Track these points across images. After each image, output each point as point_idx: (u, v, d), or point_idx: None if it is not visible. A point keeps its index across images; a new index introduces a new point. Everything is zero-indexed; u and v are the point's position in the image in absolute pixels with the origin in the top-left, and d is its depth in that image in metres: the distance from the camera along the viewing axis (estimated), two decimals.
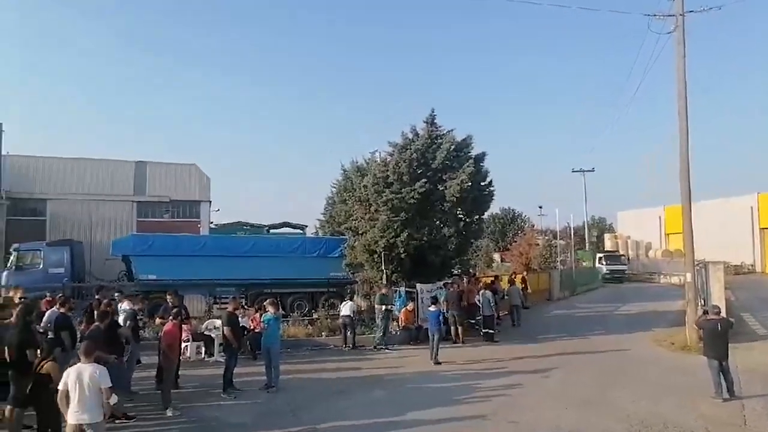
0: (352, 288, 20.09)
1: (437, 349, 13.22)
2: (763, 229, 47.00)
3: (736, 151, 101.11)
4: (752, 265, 47.11)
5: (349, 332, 15.10)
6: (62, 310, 10.29)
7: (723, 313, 10.20)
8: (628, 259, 49.09)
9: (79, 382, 5.76)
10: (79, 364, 5.96)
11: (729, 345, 9.85)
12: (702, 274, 16.90)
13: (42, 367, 6.51)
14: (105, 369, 6.00)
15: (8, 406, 7.15)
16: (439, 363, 12.94)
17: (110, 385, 5.86)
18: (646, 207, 59.32)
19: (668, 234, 54.39)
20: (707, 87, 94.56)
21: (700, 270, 16.95)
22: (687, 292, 15.56)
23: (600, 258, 46.86)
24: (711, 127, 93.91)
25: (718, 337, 9.68)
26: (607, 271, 44.35)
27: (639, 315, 22.04)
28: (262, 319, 11.68)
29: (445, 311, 15.54)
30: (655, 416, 8.59)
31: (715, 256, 27.15)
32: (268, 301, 11.71)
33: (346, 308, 15.39)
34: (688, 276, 15.62)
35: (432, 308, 13.88)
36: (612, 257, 47.26)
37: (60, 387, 5.82)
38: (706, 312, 10.64)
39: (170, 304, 11.78)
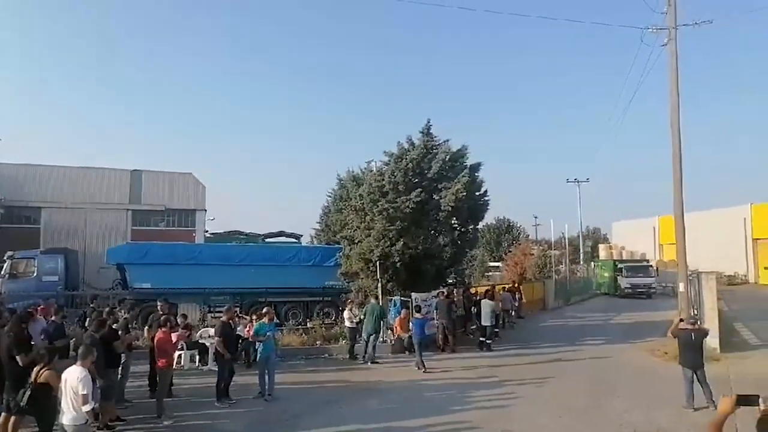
0: (348, 297, 20.08)
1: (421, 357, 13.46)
2: (756, 239, 47.29)
3: (730, 163, 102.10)
4: (745, 276, 47.34)
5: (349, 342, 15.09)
6: (54, 318, 10.31)
7: (711, 322, 10.27)
8: (657, 270, 39.42)
9: (65, 384, 5.95)
10: (72, 366, 6.06)
11: (704, 355, 10.01)
12: (695, 284, 17.00)
13: (41, 375, 6.53)
14: (88, 376, 6.06)
15: (2, 414, 7.13)
16: (428, 371, 13.07)
17: (86, 392, 5.92)
18: (641, 217, 59.67)
19: (662, 244, 54.67)
20: (701, 98, 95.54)
21: (692, 280, 17.05)
22: (679, 302, 15.67)
23: (620, 268, 39.00)
24: (705, 138, 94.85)
25: (692, 347, 9.76)
26: (628, 285, 36.89)
27: (633, 325, 22.09)
28: (254, 328, 11.62)
29: (435, 320, 15.90)
30: (648, 425, 8.65)
31: (709, 267, 27.34)
32: (265, 309, 11.75)
33: (346, 318, 15.43)
34: (681, 286, 15.75)
35: (417, 316, 14.02)
36: (635, 268, 38.66)
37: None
38: (682, 320, 10.74)
39: (160, 312, 11.76)
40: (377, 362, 14.31)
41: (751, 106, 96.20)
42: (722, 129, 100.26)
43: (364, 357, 14.51)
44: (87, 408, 5.89)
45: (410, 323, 15.84)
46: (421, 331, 13.83)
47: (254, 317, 13.36)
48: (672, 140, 15.81)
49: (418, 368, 13.21)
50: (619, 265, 39.57)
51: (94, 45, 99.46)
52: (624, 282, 37.33)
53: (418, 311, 14.32)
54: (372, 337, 14.59)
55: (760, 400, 2.80)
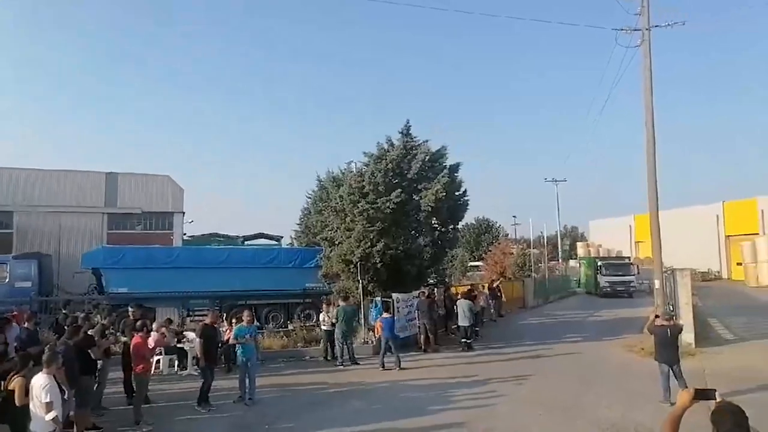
0: (328, 299, 19.99)
1: (382, 356, 13.59)
2: (728, 236, 48.47)
3: (703, 161, 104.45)
4: (719, 272, 48.48)
5: (328, 344, 15.04)
6: (27, 325, 10.07)
7: (686, 318, 10.47)
8: (638, 268, 37.40)
9: (32, 392, 5.85)
10: (38, 374, 5.93)
11: (679, 350, 10.19)
12: (670, 281, 17.31)
13: (11, 382, 6.38)
14: (51, 384, 5.92)
15: None
16: (384, 369, 13.26)
17: (49, 400, 5.79)
18: (617, 216, 60.70)
19: (638, 242, 55.69)
20: (676, 97, 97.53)
21: (668, 277, 17.36)
22: (655, 299, 15.95)
23: (599, 266, 37.08)
24: (679, 137, 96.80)
25: (668, 343, 9.94)
26: (607, 284, 35.21)
27: (611, 321, 22.43)
28: (233, 331, 11.41)
29: (416, 320, 16.13)
30: (626, 420, 8.76)
31: (682, 264, 27.92)
32: (244, 312, 11.60)
33: (323, 320, 15.35)
34: (657, 283, 16.03)
35: (385, 315, 14.04)
36: (614, 265, 37.00)
37: None
38: (657, 317, 10.94)
39: (131, 317, 11.52)
40: (357, 363, 14.27)
41: (723, 106, 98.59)
42: (697, 128, 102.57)
43: (340, 359, 14.42)
44: (50, 417, 5.74)
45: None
46: (390, 330, 13.77)
47: (234, 321, 13.20)
48: (646, 139, 16.07)
49: (382, 367, 13.36)
50: (599, 263, 38.06)
51: (70, 45, 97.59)
52: (603, 280, 35.66)
53: (387, 310, 14.34)
54: (347, 340, 14.59)
55: (717, 394, 2.90)
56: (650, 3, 16.03)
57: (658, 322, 10.44)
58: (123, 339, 10.75)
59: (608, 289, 34.79)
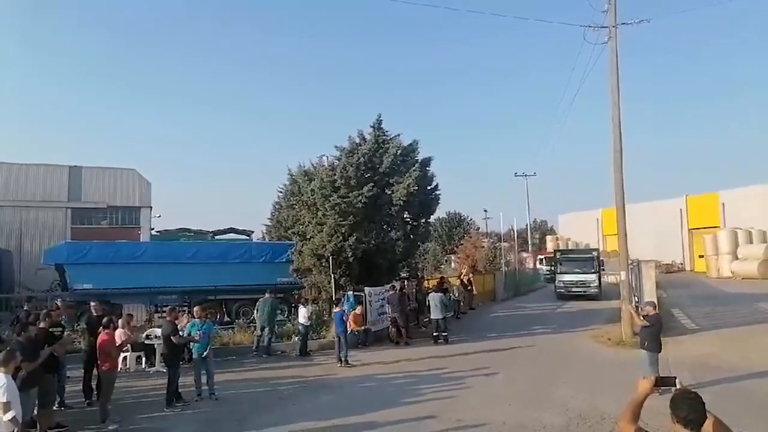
0: (300, 293, 19.87)
1: (346, 351, 13.34)
2: (691, 229, 49.97)
3: (667, 156, 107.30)
4: (681, 264, 49.98)
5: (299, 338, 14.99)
6: None
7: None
8: (602, 263, 30.77)
9: None
10: None
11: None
12: (636, 273, 17.75)
13: None
14: (8, 383, 5.71)
15: None
16: (349, 365, 13.06)
17: (6, 400, 5.60)
18: (585, 209, 61.93)
19: (606, 235, 56.97)
20: (642, 94, 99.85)
21: (633, 269, 17.78)
22: (621, 290, 16.33)
23: (557, 260, 31.13)
24: (646, 132, 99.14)
25: (659, 332, 10.18)
26: (561, 284, 28.96)
27: (578, 313, 22.89)
28: (187, 327, 10.91)
29: (388, 313, 16.29)
30: (593, 409, 8.95)
31: (648, 256, 28.65)
32: (196, 308, 11.24)
33: (301, 315, 15.23)
34: (623, 274, 16.40)
35: (336, 309, 13.94)
36: (573, 260, 29.80)
37: None
38: (637, 307, 11.08)
39: (94, 313, 11.20)
40: (270, 355, 14.43)
41: (687, 102, 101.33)
42: (660, 124, 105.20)
43: (257, 350, 14.57)
44: (7, 417, 5.55)
45: (364, 318, 15.91)
46: (342, 323, 13.69)
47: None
48: (613, 135, 16.35)
49: (341, 364, 13.12)
50: (558, 255, 32.01)
51: (27, 30, 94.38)
52: (558, 279, 29.60)
53: (338, 303, 14.32)
54: (265, 331, 14.65)
55: (677, 381, 2.99)
56: (617, 1, 16.29)
57: (650, 311, 10.42)
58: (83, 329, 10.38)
59: (563, 291, 28.88)
